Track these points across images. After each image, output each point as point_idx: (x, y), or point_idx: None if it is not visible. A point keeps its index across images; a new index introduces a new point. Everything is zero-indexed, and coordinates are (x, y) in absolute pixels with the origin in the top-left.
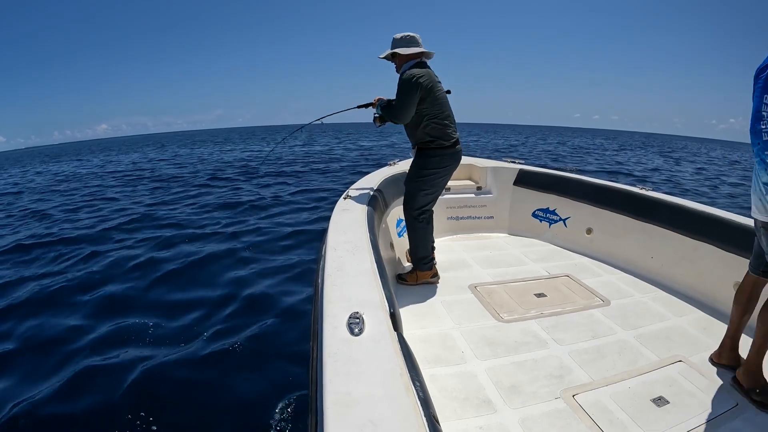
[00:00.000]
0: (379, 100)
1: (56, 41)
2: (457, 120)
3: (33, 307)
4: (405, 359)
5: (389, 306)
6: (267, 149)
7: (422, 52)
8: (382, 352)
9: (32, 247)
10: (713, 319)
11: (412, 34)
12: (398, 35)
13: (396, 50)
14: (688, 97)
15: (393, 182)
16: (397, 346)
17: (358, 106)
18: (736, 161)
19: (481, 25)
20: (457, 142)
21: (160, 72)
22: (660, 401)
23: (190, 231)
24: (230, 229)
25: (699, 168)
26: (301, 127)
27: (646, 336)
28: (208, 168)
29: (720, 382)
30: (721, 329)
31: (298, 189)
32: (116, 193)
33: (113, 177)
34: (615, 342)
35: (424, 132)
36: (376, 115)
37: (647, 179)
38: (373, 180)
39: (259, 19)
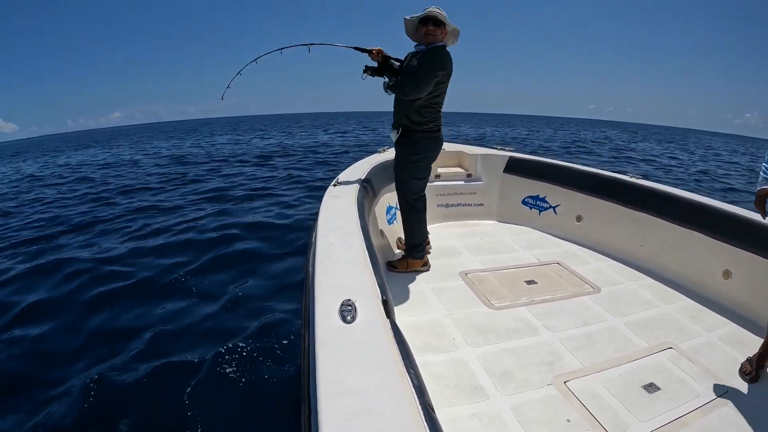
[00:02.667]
0: (380, 52)
1: (68, 30)
2: (471, 110)
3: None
4: (398, 346)
5: (381, 293)
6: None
7: (454, 39)
8: (375, 340)
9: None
10: (702, 306)
11: (442, 11)
12: (437, 10)
13: (446, 23)
14: (702, 91)
15: (382, 169)
16: (390, 334)
17: (356, 48)
18: None
19: (493, 15)
20: (440, 128)
21: (172, 59)
22: (651, 388)
23: None
24: None
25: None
26: (283, 48)
27: (635, 323)
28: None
29: (709, 369)
30: (709, 317)
31: None
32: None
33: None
34: (605, 329)
35: (419, 113)
36: (369, 68)
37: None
38: (362, 167)
39: (272, 5)
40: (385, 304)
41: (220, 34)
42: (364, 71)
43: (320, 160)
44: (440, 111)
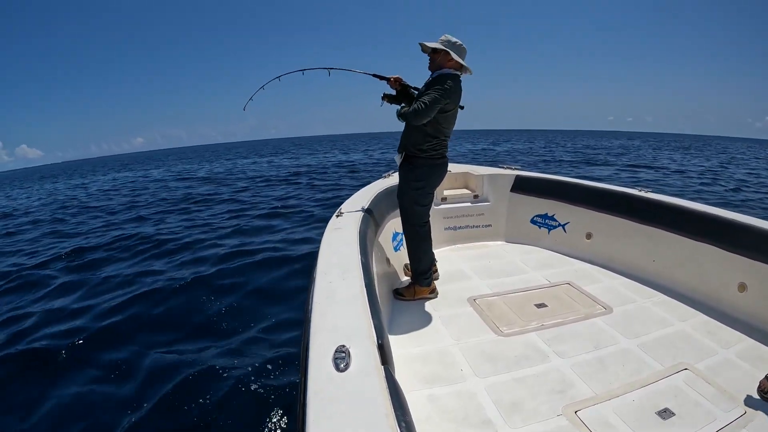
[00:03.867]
0: (398, 81)
1: (90, 56)
2: (491, 127)
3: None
4: (392, 397)
5: (377, 336)
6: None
7: (464, 66)
8: (367, 390)
9: None
10: (717, 322)
11: (458, 41)
12: (453, 38)
13: (449, 50)
14: (720, 95)
15: (387, 195)
16: (384, 384)
17: (374, 75)
18: None
19: (505, 30)
20: (445, 155)
21: (192, 83)
22: (665, 413)
23: None
24: None
25: None
26: (305, 69)
27: (649, 344)
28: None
29: (727, 390)
30: (726, 332)
31: None
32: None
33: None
34: (618, 352)
35: (424, 140)
36: (387, 95)
37: None
38: (366, 195)
39: (289, 30)
40: (381, 348)
41: (240, 57)
42: (383, 98)
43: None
44: (446, 140)
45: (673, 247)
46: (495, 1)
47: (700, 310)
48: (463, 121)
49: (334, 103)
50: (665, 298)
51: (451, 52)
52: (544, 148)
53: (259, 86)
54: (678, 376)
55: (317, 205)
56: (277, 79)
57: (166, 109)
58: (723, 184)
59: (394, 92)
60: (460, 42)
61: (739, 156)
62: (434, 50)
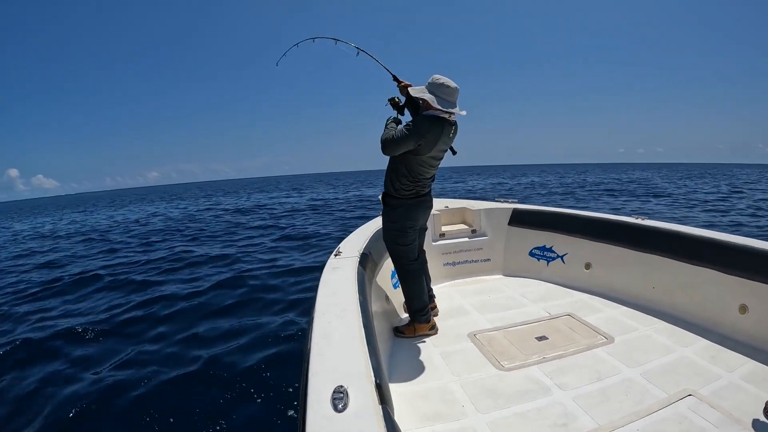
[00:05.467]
0: (406, 87)
1: (105, 90)
2: (506, 162)
3: None
4: None
5: (376, 376)
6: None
7: (448, 110)
8: (366, 431)
9: None
10: (719, 346)
11: (449, 85)
12: (441, 80)
13: (427, 99)
14: (729, 122)
15: None
16: (382, 424)
17: (392, 74)
18: None
19: (505, 71)
20: (425, 195)
21: (204, 119)
22: None
23: None
24: None
25: None
26: (338, 39)
27: (652, 372)
28: None
29: (732, 413)
30: (729, 356)
31: None
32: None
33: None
34: (621, 382)
35: (399, 180)
36: (392, 100)
37: None
38: (364, 233)
39: (305, 68)
40: (379, 388)
41: (251, 92)
42: (389, 100)
43: None
44: (423, 182)
45: (672, 272)
46: (495, 46)
47: (701, 335)
48: (478, 157)
49: (343, 135)
50: (666, 324)
51: (431, 101)
52: (559, 180)
53: (293, 44)
54: (682, 402)
55: None
56: (296, 46)
57: (181, 144)
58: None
59: (402, 98)
60: (445, 83)
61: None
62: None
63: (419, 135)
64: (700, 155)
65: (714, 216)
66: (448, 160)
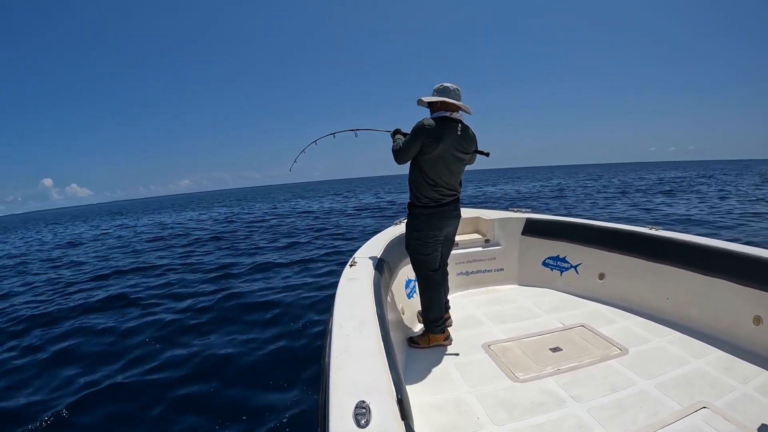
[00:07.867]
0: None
1: (138, 100)
2: (544, 164)
3: None
4: None
5: (396, 391)
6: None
7: (446, 102)
8: None
9: None
10: (734, 357)
11: (448, 84)
12: (444, 84)
13: (434, 99)
14: (760, 118)
15: (399, 242)
16: None
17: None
18: None
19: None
20: (448, 204)
21: (236, 127)
22: None
23: None
24: None
25: None
26: (333, 133)
27: (667, 384)
28: None
29: (747, 426)
30: (743, 367)
31: None
32: None
33: None
34: (635, 393)
35: (420, 188)
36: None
37: None
38: (379, 242)
39: (338, 73)
40: (400, 403)
41: (281, 100)
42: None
43: None
44: (443, 189)
45: (686, 283)
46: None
47: (716, 346)
48: (509, 160)
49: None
50: (680, 335)
51: (425, 98)
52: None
53: (300, 150)
54: (697, 415)
55: None
56: (315, 143)
57: (212, 152)
58: None
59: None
60: (443, 84)
61: None
62: (429, 103)
63: (421, 132)
64: (731, 152)
65: None
66: (500, 161)
